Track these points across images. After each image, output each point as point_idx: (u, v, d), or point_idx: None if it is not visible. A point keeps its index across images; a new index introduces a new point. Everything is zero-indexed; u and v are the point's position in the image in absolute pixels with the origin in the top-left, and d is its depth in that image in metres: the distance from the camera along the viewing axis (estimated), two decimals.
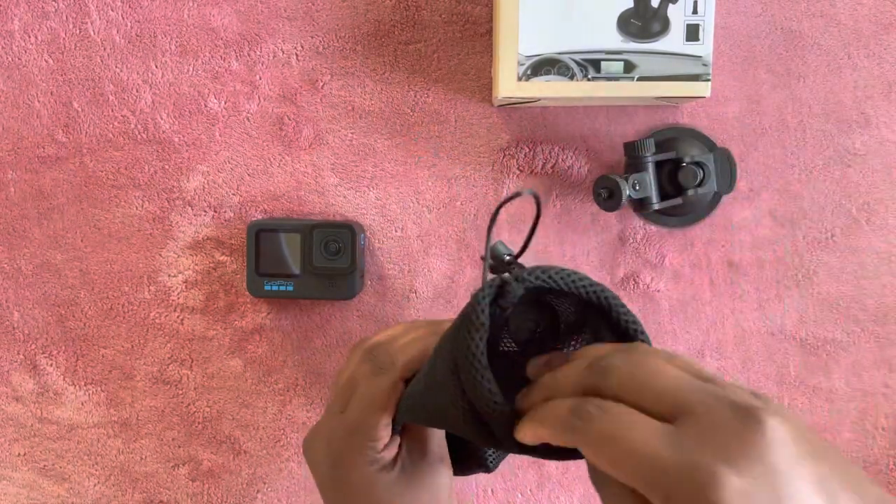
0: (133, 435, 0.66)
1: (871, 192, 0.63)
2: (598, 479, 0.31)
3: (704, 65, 0.55)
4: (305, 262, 0.60)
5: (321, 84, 0.63)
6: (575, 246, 0.64)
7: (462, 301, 0.64)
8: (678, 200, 0.60)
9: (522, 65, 0.55)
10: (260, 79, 0.63)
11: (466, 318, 0.34)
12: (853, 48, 0.62)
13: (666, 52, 0.55)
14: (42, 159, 0.64)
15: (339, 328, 0.65)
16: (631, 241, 0.64)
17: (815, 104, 0.63)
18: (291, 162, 0.63)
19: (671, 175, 0.60)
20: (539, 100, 0.58)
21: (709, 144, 0.62)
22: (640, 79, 0.55)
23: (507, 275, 0.35)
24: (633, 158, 0.59)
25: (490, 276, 0.36)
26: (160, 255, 0.64)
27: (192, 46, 0.63)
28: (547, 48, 0.55)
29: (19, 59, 0.63)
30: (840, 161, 0.63)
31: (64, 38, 0.63)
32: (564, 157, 0.63)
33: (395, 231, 0.64)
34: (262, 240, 0.61)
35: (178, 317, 0.65)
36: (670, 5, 0.55)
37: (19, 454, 0.67)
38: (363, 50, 0.62)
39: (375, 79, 0.63)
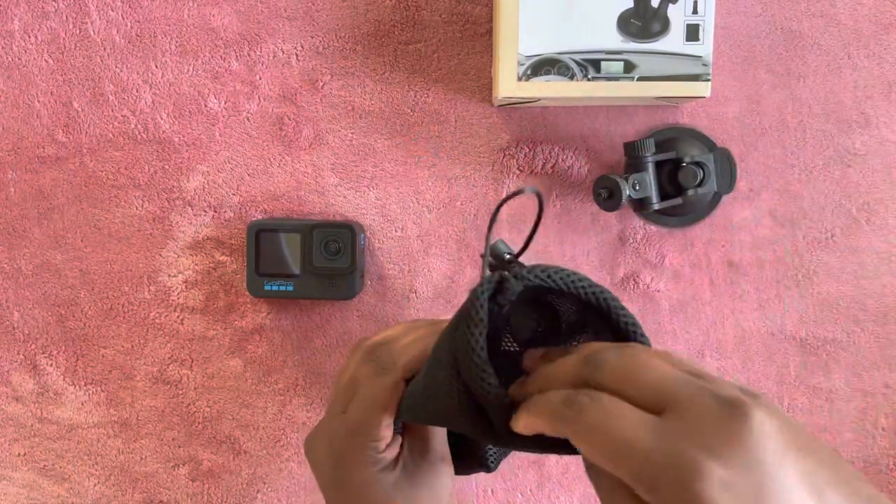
0: (133, 435, 0.66)
1: (871, 192, 0.63)
2: (594, 472, 0.31)
3: (704, 65, 0.55)
4: (305, 262, 0.60)
5: (321, 84, 0.63)
6: (575, 246, 0.64)
7: (462, 301, 0.64)
8: (678, 200, 0.60)
9: (522, 65, 0.55)
10: (260, 79, 0.63)
11: (465, 313, 0.35)
12: (853, 48, 0.62)
13: (666, 52, 0.55)
14: (42, 159, 0.64)
15: (339, 328, 0.65)
16: (631, 241, 0.64)
17: (815, 104, 0.63)
18: (291, 162, 0.63)
19: (671, 175, 0.60)
20: (539, 100, 0.58)
21: (709, 144, 0.62)
22: (640, 79, 0.56)
23: (505, 272, 0.35)
24: (633, 158, 0.59)
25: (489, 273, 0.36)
26: (160, 255, 0.64)
27: (192, 46, 0.63)
28: (547, 48, 0.55)
29: (19, 59, 0.63)
30: (840, 161, 0.63)
31: (64, 38, 0.63)
32: (564, 157, 0.63)
33: (395, 231, 0.64)
34: (262, 240, 0.61)
35: (178, 317, 0.65)
36: (670, 5, 0.55)
37: (19, 454, 0.67)
38: (363, 50, 0.62)
39: (375, 79, 0.63)
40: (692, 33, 0.55)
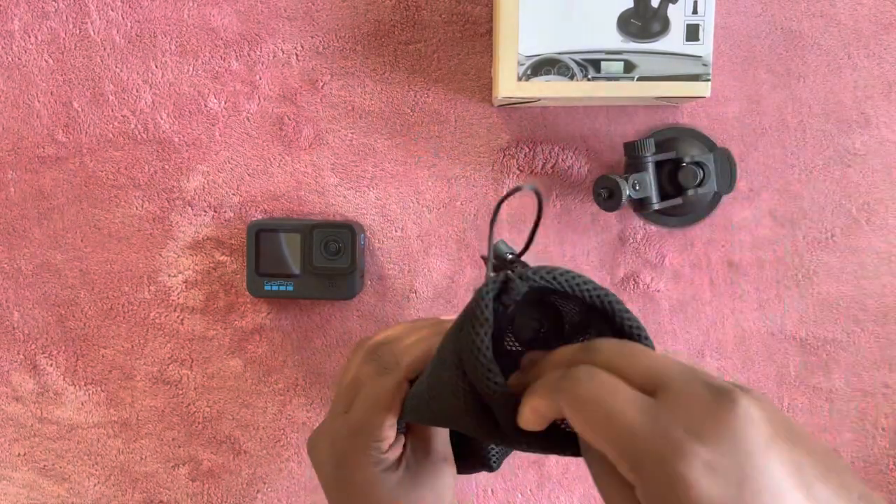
0: (133, 435, 0.66)
1: (871, 192, 0.63)
2: (589, 453, 0.32)
3: (704, 65, 0.56)
4: (305, 262, 0.60)
5: (321, 84, 0.63)
6: (575, 246, 0.64)
7: (462, 301, 0.64)
8: (678, 200, 0.60)
9: (522, 65, 0.56)
10: (260, 79, 0.63)
11: (470, 313, 0.35)
12: (853, 48, 0.62)
13: (666, 52, 0.55)
14: (42, 159, 0.64)
15: (339, 328, 0.65)
16: (631, 241, 0.64)
17: (815, 104, 0.63)
18: (291, 162, 0.63)
19: (671, 175, 0.60)
20: (539, 100, 0.58)
21: (709, 144, 0.62)
22: (640, 79, 0.56)
23: (510, 272, 0.35)
24: (633, 158, 0.59)
25: (493, 273, 0.36)
26: (160, 255, 0.64)
27: (192, 46, 0.63)
28: (547, 48, 0.55)
29: (19, 59, 0.63)
30: (840, 161, 0.63)
31: (64, 38, 0.63)
32: (564, 157, 0.63)
33: (395, 231, 0.64)
34: (262, 240, 0.61)
35: (178, 317, 0.65)
36: (670, 5, 0.55)
37: (19, 454, 0.67)
38: (363, 50, 0.62)
39: (375, 79, 0.63)
40: (692, 33, 0.55)
